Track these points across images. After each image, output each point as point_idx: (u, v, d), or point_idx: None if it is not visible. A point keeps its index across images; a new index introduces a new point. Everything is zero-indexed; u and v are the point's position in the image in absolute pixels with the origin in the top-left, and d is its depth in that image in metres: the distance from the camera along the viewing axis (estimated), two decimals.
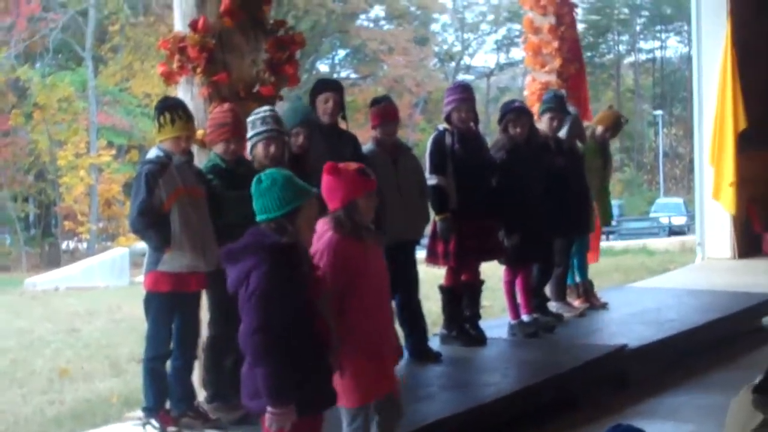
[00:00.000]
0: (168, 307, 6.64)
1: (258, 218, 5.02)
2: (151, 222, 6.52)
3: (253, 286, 4.77)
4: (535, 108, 10.51)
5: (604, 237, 14.87)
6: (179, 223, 6.55)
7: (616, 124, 10.99)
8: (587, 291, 10.93)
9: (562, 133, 10.07)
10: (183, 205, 6.58)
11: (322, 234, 5.35)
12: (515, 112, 9.39)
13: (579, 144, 10.33)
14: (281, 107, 7.57)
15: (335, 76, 54.40)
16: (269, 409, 4.76)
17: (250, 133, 7.11)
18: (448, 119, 9.01)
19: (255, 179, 5.08)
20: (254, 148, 7.13)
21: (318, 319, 5.00)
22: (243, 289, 4.81)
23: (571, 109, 10.31)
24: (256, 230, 4.99)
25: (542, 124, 9.85)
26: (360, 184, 5.47)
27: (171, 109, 6.76)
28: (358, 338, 5.33)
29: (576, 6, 12.38)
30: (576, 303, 10.72)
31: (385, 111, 8.56)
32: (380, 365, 5.51)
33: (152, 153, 6.72)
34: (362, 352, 5.35)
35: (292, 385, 4.80)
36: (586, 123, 10.88)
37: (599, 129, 10.83)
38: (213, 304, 6.97)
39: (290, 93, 8.22)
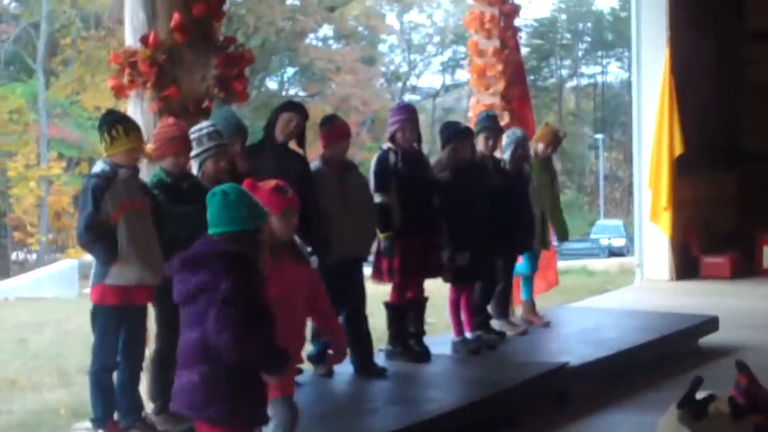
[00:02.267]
0: (114, 319, 6.68)
1: (220, 230, 5.10)
2: (98, 236, 6.54)
3: (228, 292, 4.83)
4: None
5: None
6: (126, 237, 6.58)
7: (555, 139, 11.10)
8: (530, 310, 11.07)
9: (506, 155, 10.21)
10: (129, 218, 6.62)
11: None
12: (462, 134, 9.54)
13: (525, 165, 10.45)
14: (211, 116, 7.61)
15: (284, 93, 54.51)
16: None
17: (197, 150, 7.18)
18: (392, 139, 9.12)
19: (218, 192, 5.16)
20: (204, 164, 7.21)
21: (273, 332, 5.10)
22: (206, 296, 4.87)
23: (518, 131, 10.45)
24: (212, 241, 5.08)
25: (479, 144, 9.94)
26: (275, 202, 5.65)
27: (122, 121, 6.82)
28: None
29: (520, 30, 12.55)
30: (536, 320, 10.89)
31: (339, 130, 8.64)
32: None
33: (98, 167, 6.74)
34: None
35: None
36: None
37: (540, 146, 10.95)
38: (160, 317, 7.01)
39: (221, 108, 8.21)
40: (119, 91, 7.71)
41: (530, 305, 11.14)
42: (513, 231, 10.04)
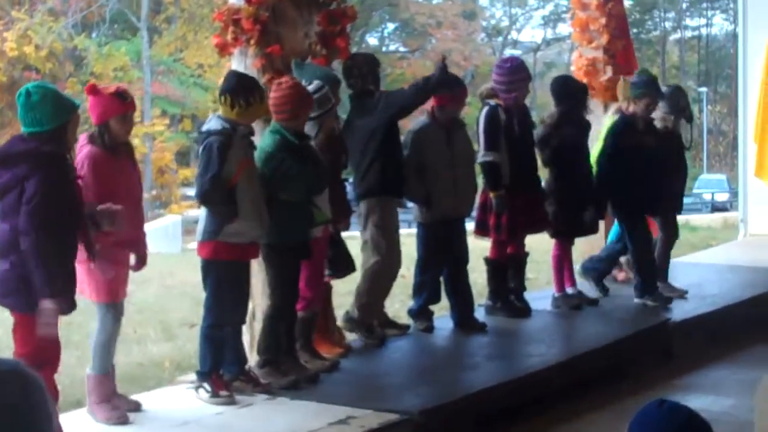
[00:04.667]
0: (229, 275, 6.77)
1: (26, 130, 5.60)
2: (223, 195, 6.59)
3: (32, 191, 5.37)
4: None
5: None
6: (245, 195, 6.65)
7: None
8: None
9: (658, 114, 10.11)
10: (248, 176, 6.70)
11: (82, 147, 6.08)
12: (582, 92, 9.71)
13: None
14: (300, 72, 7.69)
15: (384, 49, 54.51)
16: (46, 303, 5.44)
17: (318, 111, 7.33)
18: (495, 95, 9.09)
19: (23, 92, 5.63)
20: (323, 124, 7.47)
21: (82, 225, 5.69)
22: (15, 193, 5.41)
23: (664, 87, 10.30)
24: (22, 138, 5.59)
25: (637, 106, 9.69)
26: (113, 106, 6.16)
27: (258, 87, 6.89)
28: (110, 245, 6.04)
29: None
30: (620, 276, 10.79)
31: (459, 96, 8.62)
32: (126, 271, 6.39)
33: (215, 124, 6.72)
34: (112, 258, 6.13)
35: (60, 284, 5.51)
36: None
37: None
38: (272, 275, 7.12)
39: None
40: (223, 49, 7.79)
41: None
42: (660, 192, 9.91)
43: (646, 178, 9.59)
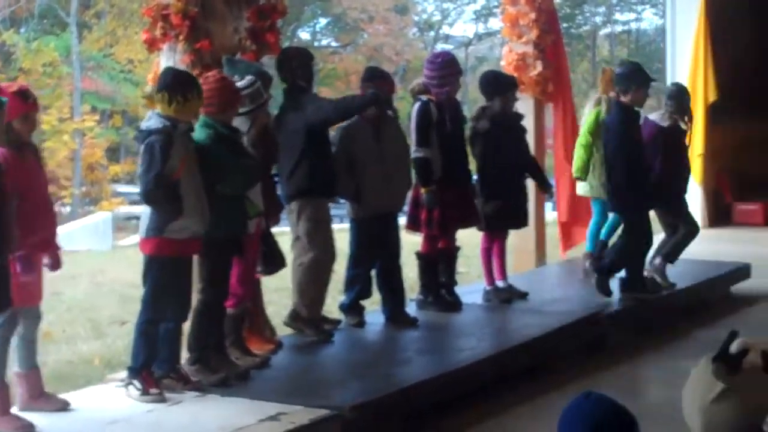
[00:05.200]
0: (170, 272, 6.74)
1: None
2: (166, 193, 6.56)
3: None
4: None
5: None
6: (188, 191, 6.63)
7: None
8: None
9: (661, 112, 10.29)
10: (190, 172, 6.68)
11: None
12: (511, 86, 9.77)
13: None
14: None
15: (316, 44, 54.22)
16: None
17: (251, 105, 7.36)
18: (427, 90, 9.11)
19: None
20: (257, 119, 7.46)
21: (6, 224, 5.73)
22: None
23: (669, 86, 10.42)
24: None
25: (634, 97, 9.64)
26: (15, 106, 6.15)
27: (195, 82, 6.85)
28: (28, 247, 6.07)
29: None
30: None
31: (383, 87, 8.63)
32: (37, 277, 6.34)
33: (155, 122, 6.68)
34: (22, 261, 6.11)
35: None
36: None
37: (612, 95, 10.71)
38: (205, 270, 7.09)
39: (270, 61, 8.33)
40: (152, 44, 7.74)
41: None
42: (665, 186, 10.07)
43: (648, 171, 9.76)
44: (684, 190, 10.46)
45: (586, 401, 2.97)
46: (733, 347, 3.11)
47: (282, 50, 8.26)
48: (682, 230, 10.37)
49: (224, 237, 6.98)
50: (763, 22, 17.66)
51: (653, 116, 10.41)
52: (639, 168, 9.57)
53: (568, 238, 12.16)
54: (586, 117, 10.77)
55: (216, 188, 6.87)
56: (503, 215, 9.58)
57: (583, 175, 10.68)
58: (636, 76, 9.70)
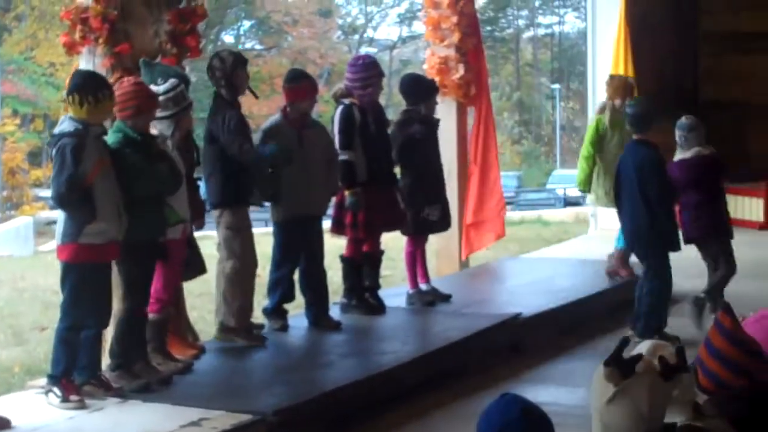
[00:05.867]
0: (88, 278, 6.69)
1: None
2: (79, 196, 6.52)
3: None
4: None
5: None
6: (102, 195, 6.59)
7: (631, 90, 11.13)
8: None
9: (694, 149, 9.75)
10: (103, 177, 6.63)
11: None
12: (433, 90, 9.81)
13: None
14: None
15: (240, 47, 54.08)
16: None
17: (174, 109, 7.31)
18: (350, 93, 9.13)
19: None
20: (180, 123, 7.39)
21: None
22: None
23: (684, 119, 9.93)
24: None
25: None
26: None
27: (106, 84, 6.82)
28: None
29: None
30: (623, 273, 10.89)
31: (306, 89, 8.68)
32: None
33: (68, 126, 6.63)
34: None
35: None
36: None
37: (618, 102, 10.81)
38: (125, 277, 7.04)
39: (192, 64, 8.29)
40: (71, 48, 7.70)
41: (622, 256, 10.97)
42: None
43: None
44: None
45: (498, 402, 3.06)
46: (645, 349, 3.18)
47: (212, 56, 8.25)
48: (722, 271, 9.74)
49: (142, 242, 6.94)
50: (683, 26, 17.93)
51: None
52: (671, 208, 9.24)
53: (471, 242, 12.11)
54: (588, 126, 10.74)
55: (133, 192, 6.82)
56: (429, 218, 9.62)
57: (586, 187, 10.71)
58: (649, 116, 9.25)
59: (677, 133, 9.79)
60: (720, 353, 3.42)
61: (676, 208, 9.37)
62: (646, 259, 9.25)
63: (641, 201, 8.93)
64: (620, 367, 3.09)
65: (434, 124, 9.82)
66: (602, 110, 10.77)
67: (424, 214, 9.55)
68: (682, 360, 3.17)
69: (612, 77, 11.36)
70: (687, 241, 9.58)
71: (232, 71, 8.06)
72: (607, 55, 15.79)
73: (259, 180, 8.27)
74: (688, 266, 9.89)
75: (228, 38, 59.52)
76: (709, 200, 9.64)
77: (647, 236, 9.04)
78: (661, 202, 8.98)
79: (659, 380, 3.08)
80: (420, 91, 9.69)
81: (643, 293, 9.14)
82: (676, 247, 9.11)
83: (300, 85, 8.64)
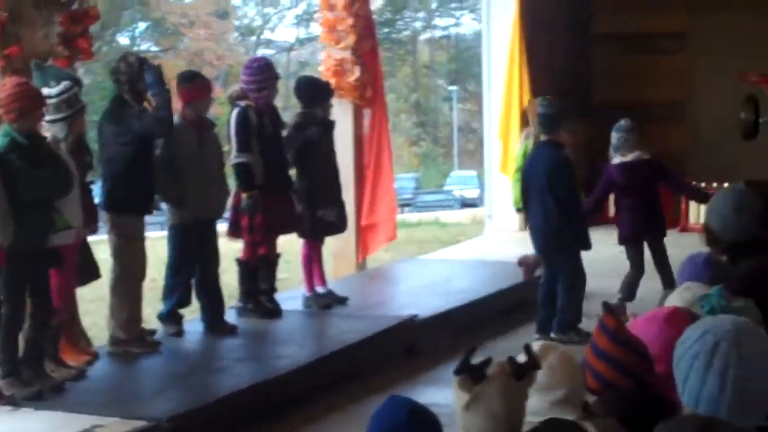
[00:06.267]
0: None
1: None
2: None
3: None
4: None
5: (399, 210, 15.47)
6: None
7: None
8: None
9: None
10: None
11: None
12: (329, 93, 9.85)
13: None
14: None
15: (136, 49, 53.52)
16: None
17: (67, 112, 7.25)
18: (245, 95, 9.10)
19: None
20: (72, 126, 7.35)
21: None
22: None
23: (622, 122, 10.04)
24: None
25: (564, 137, 9.28)
26: None
27: None
28: None
29: None
30: None
31: (201, 88, 8.67)
32: None
33: None
34: None
35: None
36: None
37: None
38: (8, 281, 6.93)
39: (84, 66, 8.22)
40: None
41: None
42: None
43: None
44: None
45: (388, 404, 3.10)
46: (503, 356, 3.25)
47: (118, 59, 8.20)
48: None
49: (26, 248, 6.82)
50: (578, 28, 18.14)
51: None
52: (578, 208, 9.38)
53: (366, 244, 12.14)
54: (517, 154, 10.83)
55: (18, 198, 6.72)
56: (325, 221, 9.62)
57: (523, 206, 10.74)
58: (560, 115, 9.28)
59: (615, 136, 9.95)
60: (605, 354, 3.48)
61: (612, 209, 9.55)
62: (560, 259, 9.33)
63: (553, 203, 9.02)
64: (471, 373, 3.16)
65: (330, 126, 9.80)
66: (527, 136, 10.95)
67: (320, 215, 9.55)
68: (531, 357, 3.23)
69: (531, 102, 11.51)
70: (622, 241, 9.89)
71: (137, 76, 8.01)
72: (502, 57, 15.95)
73: (163, 182, 8.22)
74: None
75: (123, 40, 58.85)
76: (648, 202, 9.87)
77: (562, 237, 9.15)
78: (574, 202, 9.16)
79: (512, 381, 3.15)
80: (315, 93, 9.70)
81: (559, 291, 9.26)
82: (588, 246, 9.26)
83: (195, 85, 8.62)
